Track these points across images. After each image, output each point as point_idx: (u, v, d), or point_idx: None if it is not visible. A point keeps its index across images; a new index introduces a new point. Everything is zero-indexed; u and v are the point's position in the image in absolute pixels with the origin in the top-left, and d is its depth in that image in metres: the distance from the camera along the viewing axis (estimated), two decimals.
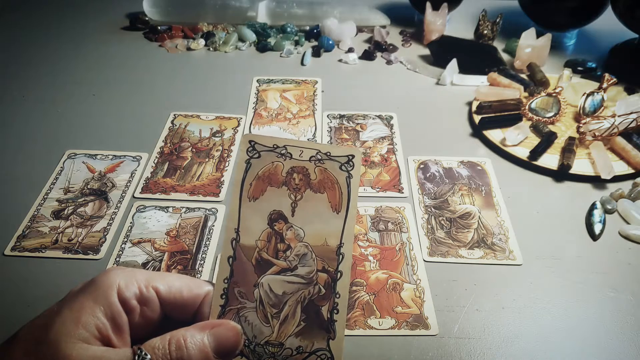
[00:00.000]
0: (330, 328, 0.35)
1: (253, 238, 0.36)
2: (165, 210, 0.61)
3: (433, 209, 0.62)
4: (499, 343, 0.48)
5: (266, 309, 0.35)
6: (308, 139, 0.72)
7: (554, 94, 0.76)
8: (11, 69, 0.88)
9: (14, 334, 0.32)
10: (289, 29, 0.96)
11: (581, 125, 0.71)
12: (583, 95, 0.74)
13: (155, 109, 0.78)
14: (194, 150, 0.70)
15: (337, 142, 0.72)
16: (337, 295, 0.35)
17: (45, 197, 0.63)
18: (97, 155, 0.69)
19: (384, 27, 0.97)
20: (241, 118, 0.76)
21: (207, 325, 0.33)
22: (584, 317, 0.50)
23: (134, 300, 0.33)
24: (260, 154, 0.37)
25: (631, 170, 0.66)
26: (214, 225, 0.59)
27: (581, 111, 0.74)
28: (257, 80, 0.84)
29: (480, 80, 0.83)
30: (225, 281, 0.35)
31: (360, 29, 0.98)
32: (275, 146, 0.37)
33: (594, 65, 0.87)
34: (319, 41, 0.93)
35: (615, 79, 0.75)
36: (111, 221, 0.60)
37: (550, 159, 0.67)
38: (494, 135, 0.72)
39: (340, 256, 0.35)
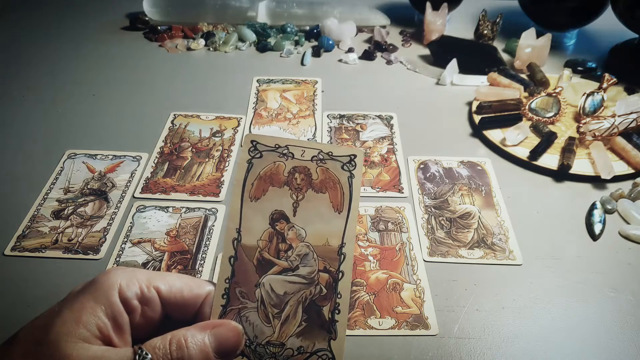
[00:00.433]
0: (331, 328, 0.35)
1: (254, 238, 0.36)
2: (165, 210, 0.61)
3: (433, 209, 0.62)
4: (499, 343, 0.48)
5: (267, 309, 0.35)
6: (308, 139, 0.72)
7: (554, 94, 0.76)
8: (11, 69, 0.88)
9: (14, 335, 0.32)
10: (289, 29, 0.96)
11: (581, 125, 0.71)
12: (583, 95, 0.74)
13: (155, 109, 0.78)
14: (194, 150, 0.70)
15: (337, 142, 0.72)
16: (339, 296, 0.35)
17: (45, 197, 0.63)
18: (97, 155, 0.69)
19: (384, 27, 0.97)
20: (241, 118, 0.76)
21: (208, 325, 0.33)
22: (584, 317, 0.50)
23: (135, 300, 0.33)
24: (262, 154, 0.37)
25: (631, 170, 0.66)
26: (214, 225, 0.59)
27: (581, 111, 0.74)
28: (257, 80, 0.84)
29: (480, 80, 0.83)
30: (227, 281, 0.35)
31: (360, 29, 0.98)
32: (277, 146, 0.37)
33: (594, 65, 0.87)
34: (319, 41, 0.93)
35: (615, 79, 0.75)
36: (111, 221, 0.60)
37: (550, 159, 0.67)
38: (494, 135, 0.72)
39: (342, 256, 0.35)
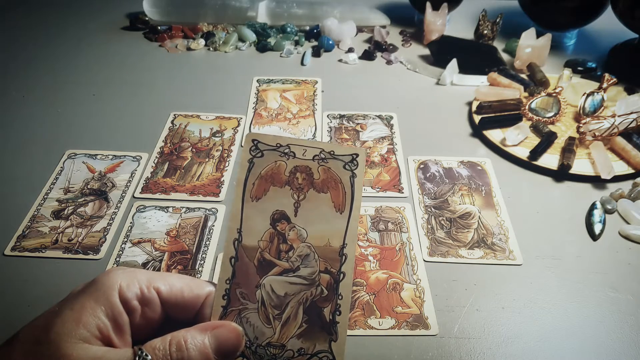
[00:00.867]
0: (332, 330, 0.35)
1: (255, 238, 0.36)
2: (165, 210, 0.61)
3: (433, 209, 0.62)
4: (499, 343, 0.48)
5: (268, 310, 0.35)
6: (308, 139, 0.72)
7: (554, 94, 0.76)
8: (11, 69, 0.87)
9: (14, 335, 0.32)
10: (289, 29, 0.96)
11: (581, 125, 0.71)
12: (583, 95, 0.74)
13: (155, 109, 0.78)
14: (194, 150, 0.70)
15: (337, 142, 0.72)
16: (340, 297, 0.35)
17: (45, 197, 0.62)
18: (97, 155, 0.69)
19: (384, 27, 0.97)
20: (241, 118, 0.76)
21: (208, 327, 0.33)
22: (584, 317, 0.50)
23: (135, 301, 0.33)
24: (263, 153, 0.36)
25: (631, 170, 0.66)
26: (214, 225, 0.59)
27: (581, 111, 0.74)
28: (257, 80, 0.84)
29: (480, 80, 0.83)
30: (227, 282, 0.35)
31: (360, 29, 0.98)
32: (278, 145, 0.36)
33: (594, 65, 0.87)
34: (319, 41, 0.93)
35: (615, 79, 0.75)
36: (111, 221, 0.60)
37: (550, 159, 0.67)
38: (494, 135, 0.72)
39: (343, 257, 0.35)
